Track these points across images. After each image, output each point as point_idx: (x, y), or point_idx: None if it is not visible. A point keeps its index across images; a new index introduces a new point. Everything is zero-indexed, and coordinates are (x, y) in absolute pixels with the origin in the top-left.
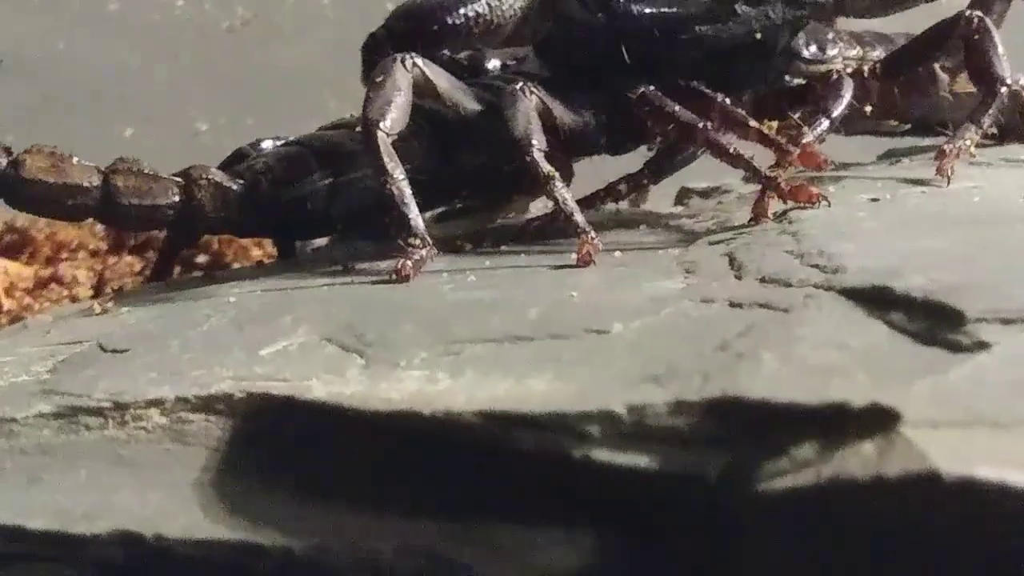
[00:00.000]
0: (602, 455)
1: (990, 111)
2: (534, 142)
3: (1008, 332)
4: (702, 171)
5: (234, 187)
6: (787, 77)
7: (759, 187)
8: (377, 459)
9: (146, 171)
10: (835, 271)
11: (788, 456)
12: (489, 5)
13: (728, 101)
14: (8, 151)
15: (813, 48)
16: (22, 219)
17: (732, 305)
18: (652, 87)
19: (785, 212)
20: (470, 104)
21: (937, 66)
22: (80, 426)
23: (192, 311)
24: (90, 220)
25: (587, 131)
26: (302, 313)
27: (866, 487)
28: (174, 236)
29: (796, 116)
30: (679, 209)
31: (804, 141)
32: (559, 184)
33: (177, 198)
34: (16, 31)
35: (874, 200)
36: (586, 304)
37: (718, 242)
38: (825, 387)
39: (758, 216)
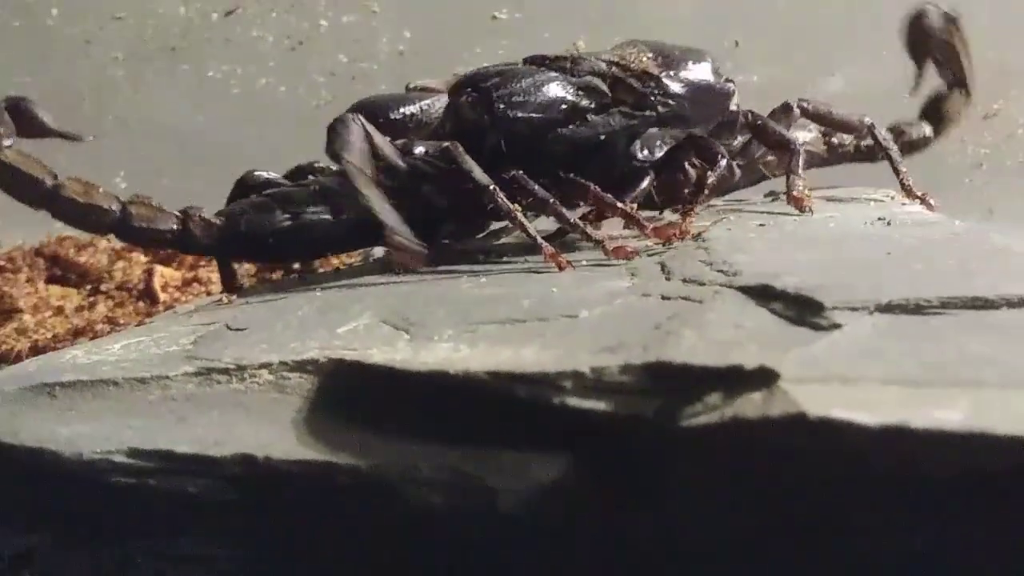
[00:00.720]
0: (574, 401)
1: (799, 162)
2: (493, 185)
3: (854, 316)
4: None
5: (217, 223)
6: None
7: (681, 218)
8: (417, 405)
9: (155, 204)
10: (734, 274)
11: (701, 402)
12: (420, 108)
13: (598, 189)
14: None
15: (645, 152)
16: None
17: (663, 298)
18: (521, 172)
19: (699, 234)
20: (398, 161)
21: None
22: (213, 381)
23: (290, 302)
24: None
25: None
26: (366, 303)
27: (756, 424)
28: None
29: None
30: (627, 231)
31: (655, 225)
32: (520, 214)
33: (175, 226)
34: (172, 105)
35: (761, 225)
36: (563, 297)
37: (654, 254)
38: (727, 354)
39: (658, 237)
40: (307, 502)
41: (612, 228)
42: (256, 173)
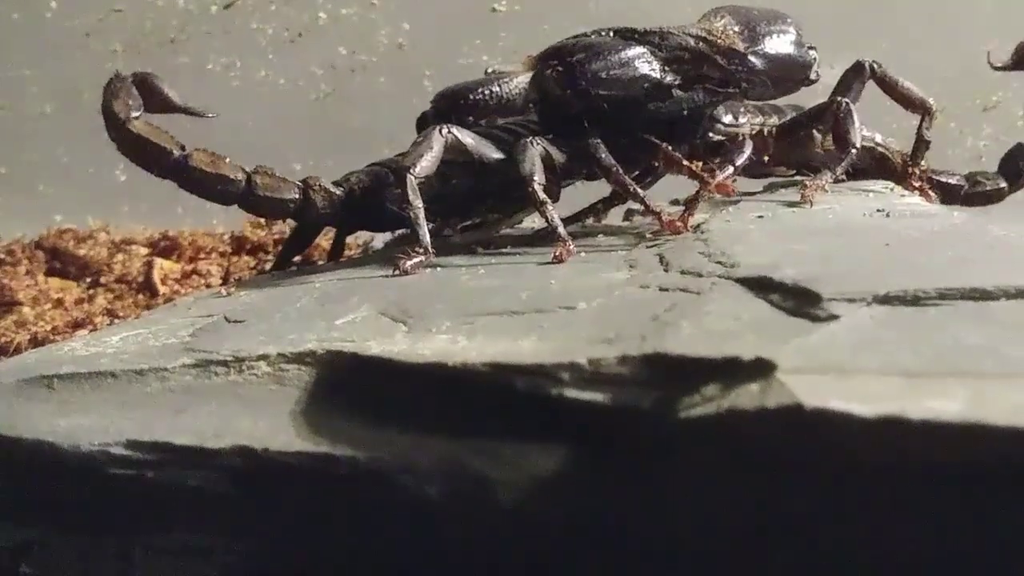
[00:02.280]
0: (571, 393)
1: (843, 164)
2: (535, 178)
3: (851, 308)
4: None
5: (337, 191)
6: (711, 135)
7: (680, 210)
8: (415, 397)
9: (277, 173)
10: (732, 266)
11: (699, 393)
12: (501, 86)
13: (670, 148)
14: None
15: (729, 117)
16: (172, 230)
17: (661, 289)
18: (597, 140)
19: (699, 225)
20: (490, 153)
21: (815, 130)
22: (211, 373)
23: (289, 294)
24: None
25: (571, 167)
26: (364, 295)
27: (752, 415)
28: (298, 232)
29: (716, 162)
30: (626, 224)
31: (719, 179)
32: (550, 207)
33: (298, 195)
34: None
35: (760, 217)
36: (561, 289)
37: (652, 246)
38: (725, 346)
39: (667, 229)
40: (305, 494)
41: (613, 219)
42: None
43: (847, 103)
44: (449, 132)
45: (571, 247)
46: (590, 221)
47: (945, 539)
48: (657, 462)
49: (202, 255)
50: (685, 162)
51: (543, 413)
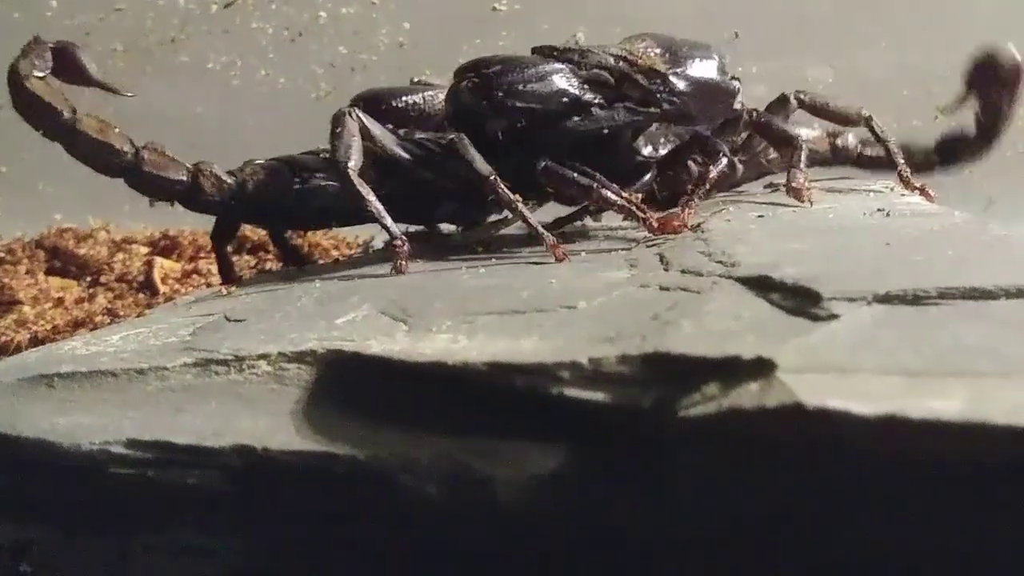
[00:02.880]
0: (572, 392)
1: (802, 158)
2: (495, 175)
3: (851, 307)
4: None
5: (228, 180)
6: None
7: (681, 210)
8: (416, 396)
9: (167, 152)
10: (733, 265)
11: (699, 392)
12: (424, 98)
13: (597, 185)
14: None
15: (649, 148)
16: (173, 229)
17: (662, 289)
18: (550, 162)
19: (699, 224)
20: (397, 150)
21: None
22: (211, 372)
23: (289, 293)
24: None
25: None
26: (365, 294)
27: (752, 414)
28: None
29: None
30: (626, 223)
31: (659, 217)
32: (523, 206)
33: (185, 178)
34: (172, 96)
35: (760, 216)
36: (561, 288)
37: (653, 245)
38: (725, 345)
39: (661, 230)
40: (305, 493)
41: (613, 219)
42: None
43: (757, 111)
44: (357, 117)
45: (558, 246)
46: (589, 221)
47: (945, 537)
48: (657, 461)
49: (202, 254)
50: (619, 200)
51: (543, 412)
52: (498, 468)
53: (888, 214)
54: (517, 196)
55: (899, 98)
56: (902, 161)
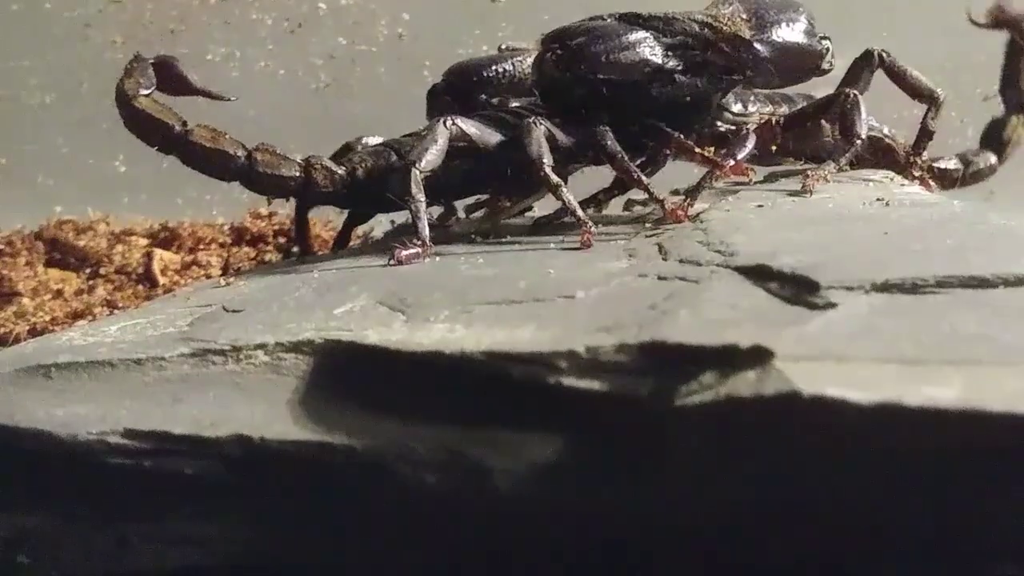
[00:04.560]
0: (569, 381)
1: (848, 155)
2: (545, 160)
3: (849, 296)
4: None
5: (339, 171)
6: (719, 124)
7: (680, 199)
8: (413, 385)
9: (278, 151)
10: (731, 254)
11: (697, 381)
12: (513, 64)
13: (680, 136)
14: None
15: (739, 106)
16: (173, 221)
17: (660, 278)
18: (605, 128)
19: (698, 214)
20: (494, 139)
21: (823, 121)
22: (209, 362)
23: (288, 284)
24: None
25: (576, 153)
26: (363, 285)
27: (750, 402)
28: (301, 209)
29: (723, 152)
30: (626, 213)
31: (731, 162)
32: (565, 189)
33: (298, 173)
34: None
35: (759, 206)
36: (559, 278)
37: (652, 235)
38: (723, 334)
39: (670, 218)
40: (303, 482)
41: (614, 209)
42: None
43: (854, 94)
44: (454, 124)
45: (592, 229)
46: (591, 210)
47: (942, 525)
48: (655, 449)
49: (202, 246)
50: (697, 149)
51: (541, 401)
52: (496, 457)
53: (887, 204)
54: (559, 180)
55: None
56: (923, 150)
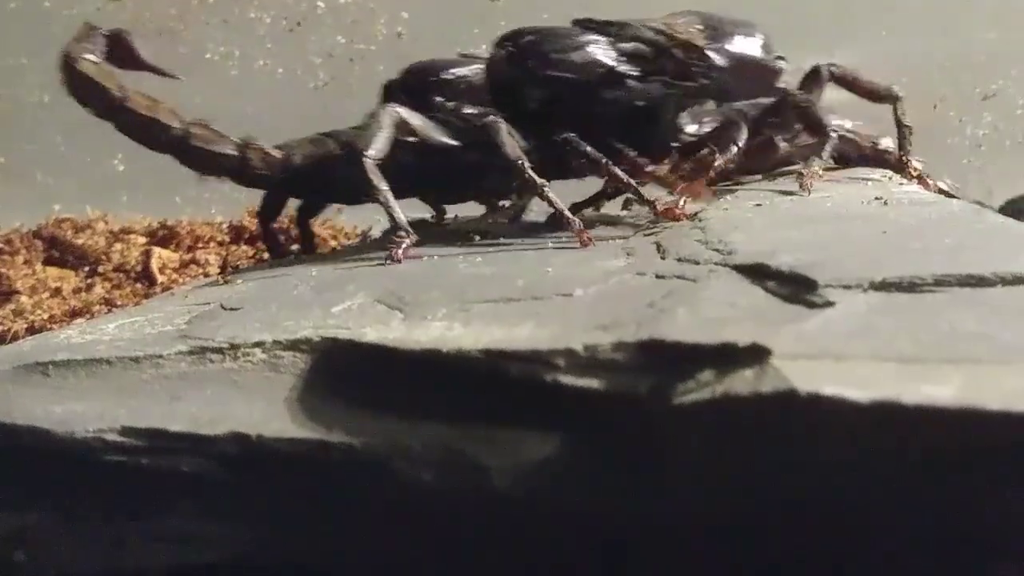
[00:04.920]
0: (567, 379)
1: (826, 148)
2: (524, 161)
3: (847, 294)
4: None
5: (276, 154)
6: (675, 145)
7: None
8: (411, 383)
9: (215, 127)
10: (729, 253)
11: (694, 379)
12: (472, 71)
13: (634, 154)
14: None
15: (694, 126)
16: (171, 219)
17: (658, 277)
18: (573, 135)
19: (696, 213)
20: (439, 137)
21: (777, 138)
22: (207, 360)
23: (286, 282)
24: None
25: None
26: (361, 283)
27: (747, 400)
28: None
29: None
30: (624, 212)
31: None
32: (549, 190)
33: (234, 152)
34: (169, 87)
35: (758, 205)
36: (558, 276)
37: (650, 234)
38: (720, 332)
39: (665, 218)
40: (300, 480)
41: (613, 208)
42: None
43: (800, 93)
44: (396, 112)
45: (584, 232)
46: (589, 211)
47: (940, 524)
48: (652, 447)
49: (200, 244)
50: (649, 168)
51: (538, 399)
52: (493, 455)
53: (886, 202)
54: (543, 181)
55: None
56: (909, 147)
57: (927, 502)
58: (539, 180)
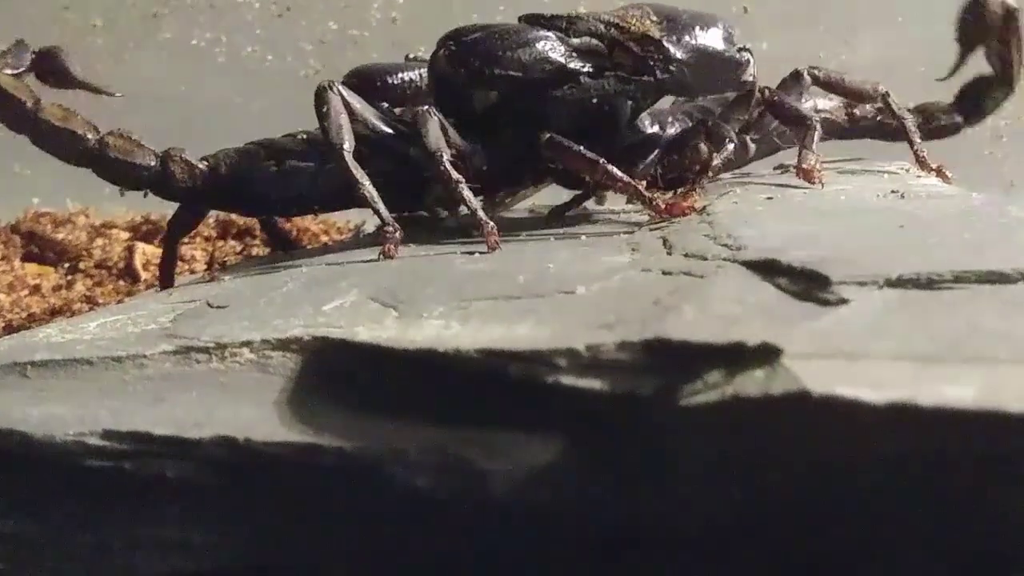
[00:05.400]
0: (568, 380)
1: (814, 138)
2: (443, 153)
3: (861, 291)
4: None
5: (200, 166)
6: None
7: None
8: (406, 384)
9: (134, 137)
10: (739, 248)
11: (702, 380)
12: (420, 75)
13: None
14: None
15: (655, 127)
16: (155, 214)
17: (664, 273)
18: (554, 135)
19: (704, 207)
20: (379, 125)
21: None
22: (192, 360)
23: (275, 278)
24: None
25: (474, 160)
26: (353, 280)
27: (758, 402)
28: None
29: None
30: (629, 207)
31: (669, 200)
32: (465, 188)
33: (153, 163)
34: (154, 74)
35: (769, 198)
36: (559, 273)
37: (656, 229)
38: (729, 331)
39: (668, 213)
40: (290, 486)
41: (617, 202)
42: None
43: (768, 88)
44: (339, 91)
45: (494, 229)
46: (592, 203)
47: (957, 530)
48: (658, 451)
49: (186, 239)
50: (625, 179)
51: (539, 401)
52: (491, 460)
53: (903, 196)
54: (459, 177)
55: (915, 74)
56: (919, 140)
57: (944, 507)
58: (455, 175)
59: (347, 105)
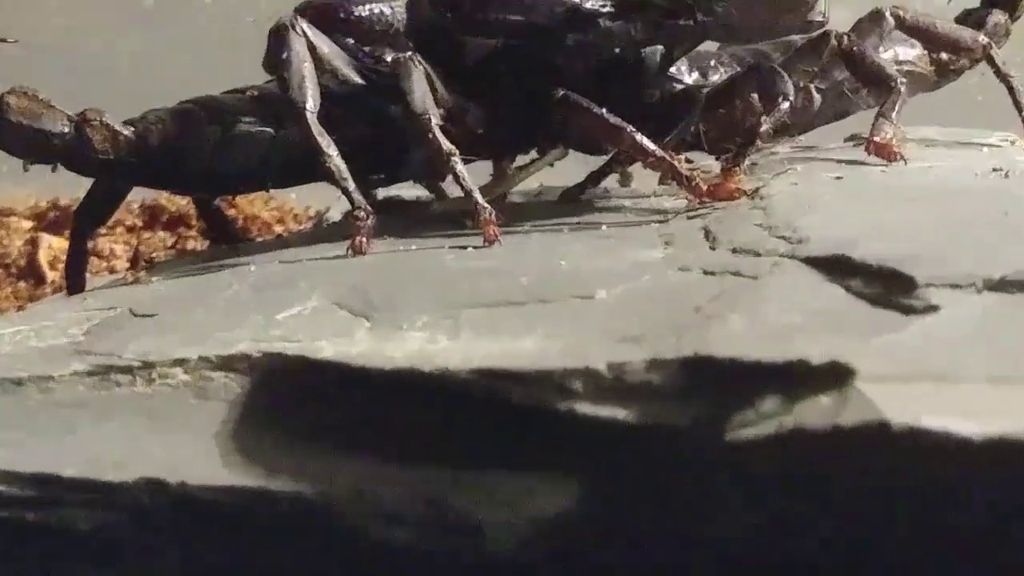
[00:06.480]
0: (585, 408)
1: (896, 104)
2: (432, 117)
3: (955, 296)
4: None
5: (124, 132)
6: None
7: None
8: (380, 412)
9: (42, 97)
10: (800, 242)
11: (753, 408)
12: (392, 7)
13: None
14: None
15: (695, 75)
16: (65, 198)
17: (706, 273)
18: (568, 92)
19: (756, 189)
20: (350, 74)
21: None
22: (112, 383)
23: (216, 279)
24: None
25: (467, 122)
26: (315, 280)
27: (824, 436)
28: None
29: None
30: (662, 188)
31: (720, 181)
32: (457, 160)
33: (66, 130)
34: (66, 25)
35: (838, 178)
36: (573, 272)
37: (695, 216)
38: (788, 346)
39: (711, 196)
40: (234, 539)
41: (648, 181)
42: None
43: (848, 35)
44: (303, 31)
45: (493, 216)
46: (612, 183)
47: None
48: (698, 499)
49: (104, 230)
50: (658, 153)
51: (549, 435)
52: (488, 508)
53: (1007, 175)
54: (452, 148)
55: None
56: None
57: None
58: (446, 146)
59: (313, 50)
